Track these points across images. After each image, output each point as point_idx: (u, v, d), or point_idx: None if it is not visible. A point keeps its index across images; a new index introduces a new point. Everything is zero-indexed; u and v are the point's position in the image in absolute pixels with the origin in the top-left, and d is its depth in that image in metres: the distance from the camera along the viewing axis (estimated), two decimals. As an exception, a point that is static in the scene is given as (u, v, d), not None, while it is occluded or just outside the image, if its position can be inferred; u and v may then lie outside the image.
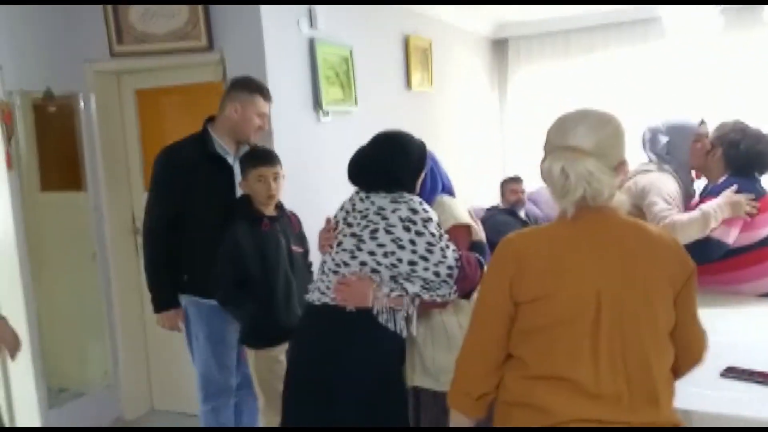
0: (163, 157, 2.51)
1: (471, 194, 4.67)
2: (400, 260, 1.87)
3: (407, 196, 1.94)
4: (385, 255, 1.87)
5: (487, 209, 4.59)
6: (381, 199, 1.94)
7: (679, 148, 2.57)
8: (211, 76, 3.11)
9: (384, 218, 1.89)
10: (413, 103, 4.43)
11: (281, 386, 2.04)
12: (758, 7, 4.19)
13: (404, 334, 1.94)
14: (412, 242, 1.85)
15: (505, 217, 4.43)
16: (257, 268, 2.34)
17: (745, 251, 2.44)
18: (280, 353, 2.37)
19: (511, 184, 4.59)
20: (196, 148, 2.49)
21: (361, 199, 2.00)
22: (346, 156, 2.06)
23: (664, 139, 2.60)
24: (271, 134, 2.94)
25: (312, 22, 3.31)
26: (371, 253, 1.89)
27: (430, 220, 1.89)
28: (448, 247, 1.88)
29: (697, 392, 1.59)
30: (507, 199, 4.60)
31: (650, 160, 2.68)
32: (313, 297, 1.99)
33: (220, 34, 3.05)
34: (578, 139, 1.29)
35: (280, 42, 3.10)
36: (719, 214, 2.33)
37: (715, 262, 2.42)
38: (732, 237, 2.39)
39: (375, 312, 1.88)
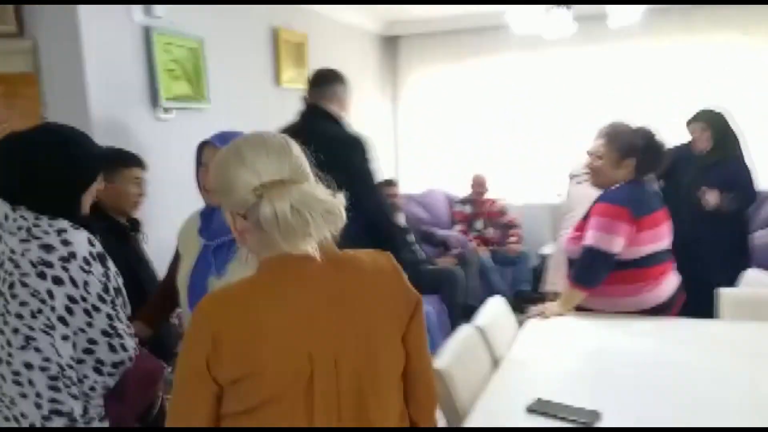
0: None
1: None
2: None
3: (49, 223, 1.38)
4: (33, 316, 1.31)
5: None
6: (11, 237, 1.38)
7: None
8: (22, 65, 2.74)
9: (16, 265, 1.34)
10: (284, 100, 4.16)
11: None
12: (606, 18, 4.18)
13: None
14: (51, 295, 1.33)
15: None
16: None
17: (629, 266, 2.32)
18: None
19: (384, 189, 4.38)
20: None
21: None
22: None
23: None
24: (91, 131, 2.61)
25: (149, 10, 2.98)
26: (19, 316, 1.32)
27: (71, 257, 1.36)
28: (118, 318, 1.43)
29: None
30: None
31: None
32: None
33: (31, 18, 2.69)
34: (287, 169, 1.05)
35: (105, 30, 2.76)
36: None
37: None
38: (616, 246, 2.26)
39: None
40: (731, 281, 2.75)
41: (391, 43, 5.92)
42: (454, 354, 1.78)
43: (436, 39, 5.75)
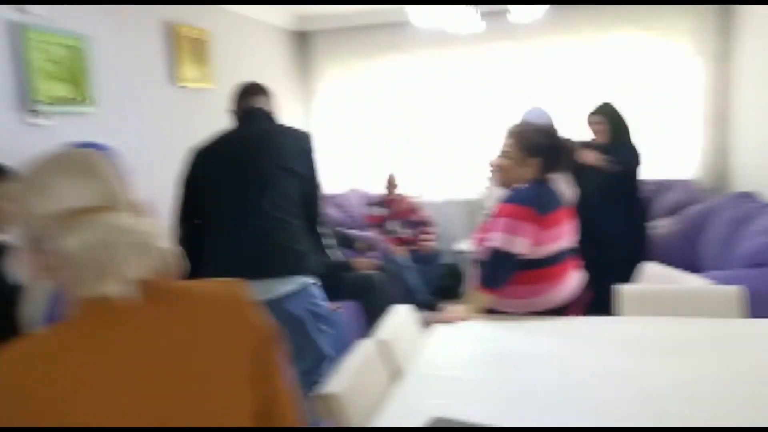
0: None
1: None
2: None
3: None
4: None
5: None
6: None
7: None
8: None
9: None
10: (184, 101, 3.94)
11: None
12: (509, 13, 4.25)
13: None
14: None
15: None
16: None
17: (535, 266, 2.30)
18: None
19: None
20: None
21: None
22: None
23: None
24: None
25: (23, 8, 2.71)
26: None
27: None
28: None
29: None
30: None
31: None
32: None
33: None
34: (91, 193, 0.89)
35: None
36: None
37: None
38: (520, 247, 2.24)
39: None
40: (631, 276, 2.80)
41: (302, 39, 5.76)
42: (349, 374, 1.68)
43: (348, 35, 5.64)
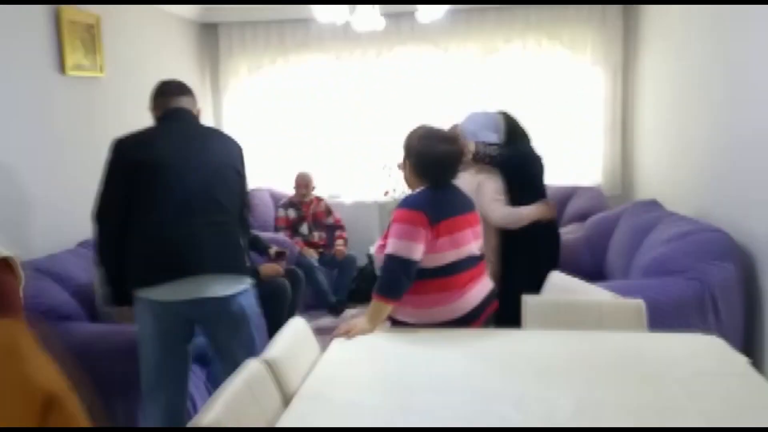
0: None
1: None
2: None
3: None
4: None
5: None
6: None
7: None
8: None
9: None
10: (72, 91, 3.61)
11: None
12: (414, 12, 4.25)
13: None
14: None
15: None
16: None
17: (434, 275, 2.22)
18: None
19: None
20: None
21: None
22: None
23: None
24: None
25: None
26: None
27: None
28: None
29: None
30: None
31: None
32: None
33: None
34: None
35: None
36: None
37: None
38: (416, 253, 2.16)
39: None
40: (540, 285, 2.76)
41: (209, 31, 5.47)
42: (226, 404, 1.50)
43: (256, 28, 5.41)
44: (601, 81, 5.06)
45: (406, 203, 2.25)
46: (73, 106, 3.62)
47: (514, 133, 3.22)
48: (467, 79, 5.22)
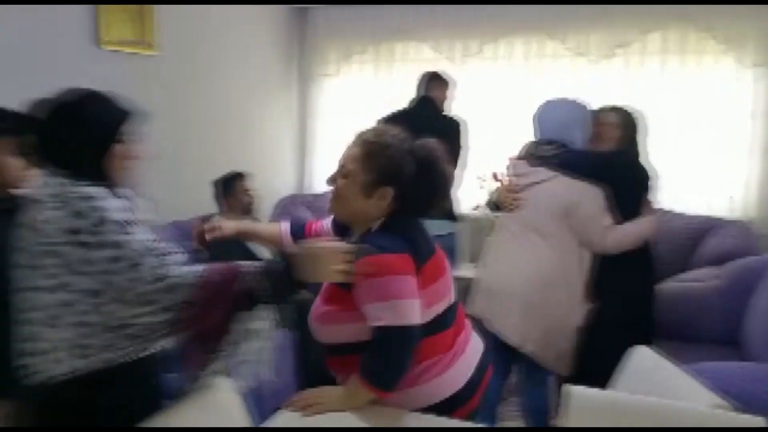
0: None
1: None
2: None
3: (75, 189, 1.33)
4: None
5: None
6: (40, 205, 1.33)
7: None
8: None
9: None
10: (112, 68, 3.27)
11: None
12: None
13: None
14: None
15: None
16: None
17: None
18: None
19: (237, 184, 3.42)
20: None
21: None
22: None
23: None
24: None
25: None
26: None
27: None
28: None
29: None
30: (239, 200, 3.41)
31: None
32: None
33: None
34: None
35: None
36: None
37: None
38: (417, 313, 1.53)
39: None
40: (619, 355, 1.90)
41: (299, 14, 5.02)
42: None
43: (352, 10, 4.84)
44: (762, 88, 3.91)
45: (382, 247, 1.52)
46: (115, 86, 3.27)
47: (629, 137, 2.49)
48: (587, 77, 4.29)
